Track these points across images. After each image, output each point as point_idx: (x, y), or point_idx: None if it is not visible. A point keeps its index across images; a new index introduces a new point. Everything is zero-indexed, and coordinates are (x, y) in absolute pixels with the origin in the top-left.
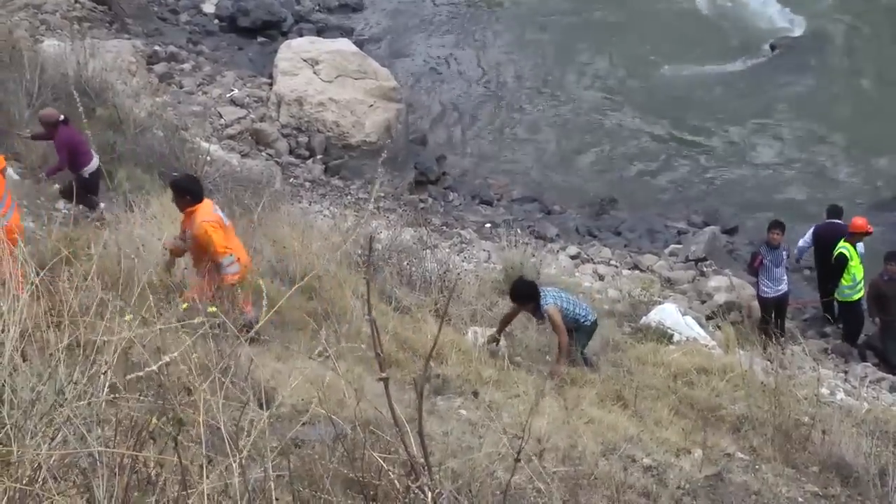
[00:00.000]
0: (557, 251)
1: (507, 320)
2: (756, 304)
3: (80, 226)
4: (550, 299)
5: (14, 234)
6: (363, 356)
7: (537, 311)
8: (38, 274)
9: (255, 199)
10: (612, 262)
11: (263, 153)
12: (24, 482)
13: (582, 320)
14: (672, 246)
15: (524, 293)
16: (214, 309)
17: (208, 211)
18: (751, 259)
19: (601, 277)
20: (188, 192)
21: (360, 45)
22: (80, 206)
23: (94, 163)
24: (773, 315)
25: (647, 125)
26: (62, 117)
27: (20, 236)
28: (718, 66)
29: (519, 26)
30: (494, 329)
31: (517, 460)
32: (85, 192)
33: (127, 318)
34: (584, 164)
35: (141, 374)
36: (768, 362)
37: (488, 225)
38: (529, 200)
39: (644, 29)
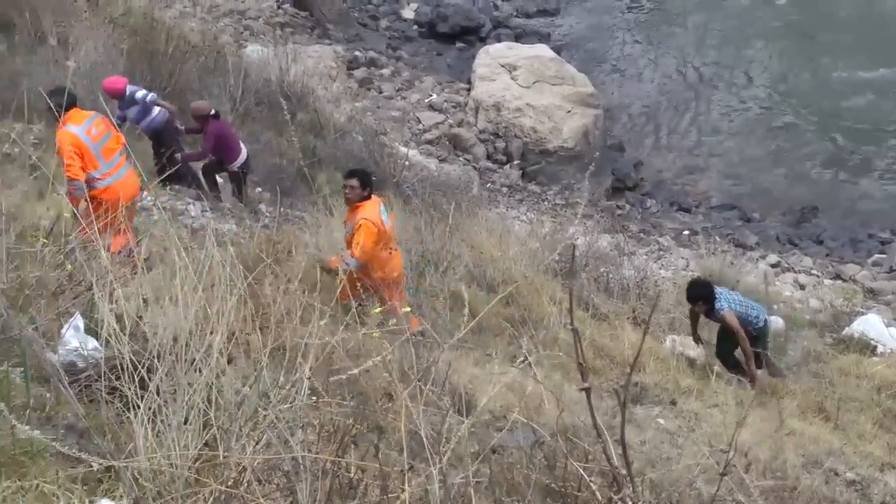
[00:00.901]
0: (757, 259)
1: (693, 321)
2: None
3: (281, 229)
4: (725, 303)
5: (115, 195)
6: (560, 362)
7: (711, 313)
8: (246, 277)
9: (452, 203)
10: (814, 272)
11: (461, 158)
12: (229, 484)
13: (754, 321)
14: (876, 256)
15: (697, 293)
16: (409, 308)
17: (374, 210)
18: None
19: (802, 287)
20: (369, 185)
21: (557, 50)
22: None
23: (242, 157)
24: None
25: (843, 131)
26: (213, 111)
27: (124, 200)
28: None
29: (710, 30)
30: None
31: (723, 474)
32: (237, 186)
33: (322, 322)
34: (782, 171)
35: (342, 377)
36: None
37: (686, 232)
38: (728, 208)
39: (837, 32)
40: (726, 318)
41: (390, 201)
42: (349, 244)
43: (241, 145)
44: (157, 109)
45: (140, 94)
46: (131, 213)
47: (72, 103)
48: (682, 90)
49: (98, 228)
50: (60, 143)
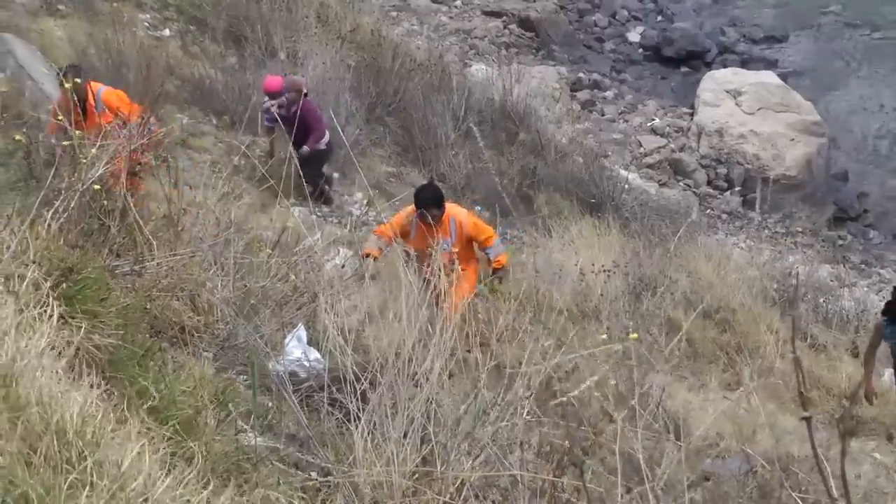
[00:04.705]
0: None
1: (871, 354)
2: None
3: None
4: None
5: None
6: (775, 392)
7: None
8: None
9: (671, 228)
10: None
11: (681, 183)
12: (446, 497)
13: None
14: None
15: None
16: (636, 336)
17: (455, 206)
18: None
19: None
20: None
21: (783, 77)
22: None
23: (325, 139)
24: None
25: None
26: (304, 90)
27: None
28: None
29: None
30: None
31: None
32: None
33: (546, 342)
34: None
35: (561, 399)
36: None
37: None
38: None
39: None
40: None
41: (609, 224)
42: (461, 253)
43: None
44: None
45: None
46: None
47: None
48: None
49: None
50: (117, 101)
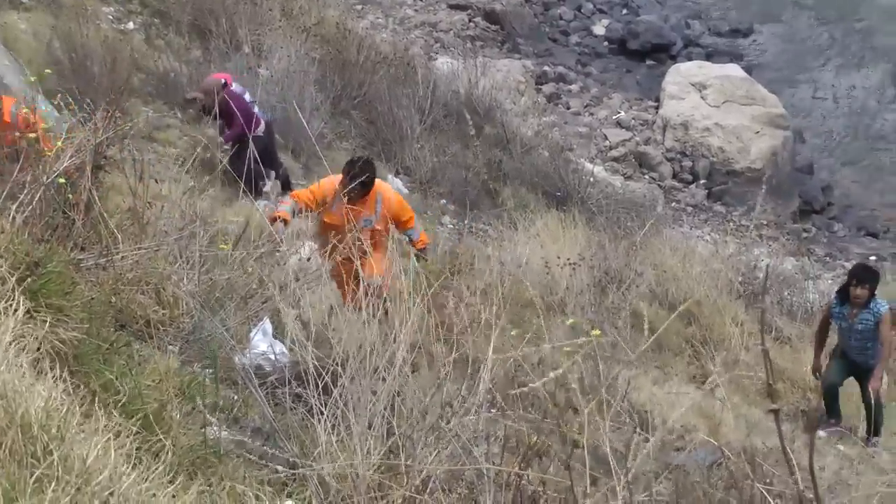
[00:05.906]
0: None
1: (822, 335)
2: None
3: (463, 241)
4: (886, 304)
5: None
6: (740, 384)
7: (867, 304)
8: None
9: (637, 221)
10: None
11: (646, 176)
12: (412, 491)
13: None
14: None
15: (869, 275)
16: (598, 332)
17: (384, 183)
18: None
19: None
20: (375, 174)
21: (748, 70)
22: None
23: (261, 128)
24: None
25: None
26: (223, 81)
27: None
28: None
29: None
30: None
31: None
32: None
33: (512, 333)
34: None
35: (523, 389)
36: None
37: (873, 258)
38: None
39: None
40: (884, 319)
41: (574, 217)
42: (378, 235)
43: (261, 116)
44: None
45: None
46: None
47: None
48: (875, 114)
49: None
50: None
